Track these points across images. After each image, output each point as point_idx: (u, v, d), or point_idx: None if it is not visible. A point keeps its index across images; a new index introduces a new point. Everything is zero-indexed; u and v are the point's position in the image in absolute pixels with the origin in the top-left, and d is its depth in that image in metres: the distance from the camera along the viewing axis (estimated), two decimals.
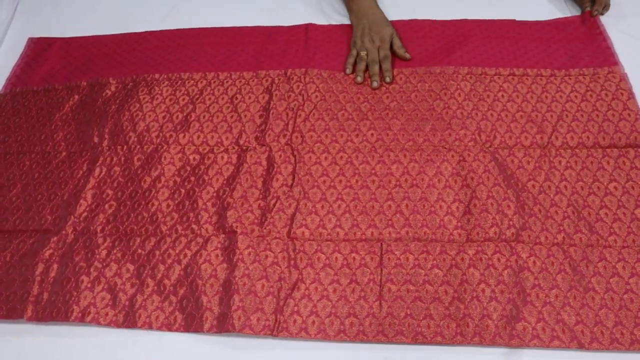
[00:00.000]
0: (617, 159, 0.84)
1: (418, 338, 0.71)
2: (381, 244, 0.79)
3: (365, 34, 1.03)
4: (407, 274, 0.76)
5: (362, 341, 0.72)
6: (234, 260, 0.79)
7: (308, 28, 1.09)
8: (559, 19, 1.06)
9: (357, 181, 0.86)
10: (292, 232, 0.82)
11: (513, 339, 0.70)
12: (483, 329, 0.71)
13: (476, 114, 0.91)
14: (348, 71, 0.99)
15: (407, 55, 1.01)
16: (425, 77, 0.97)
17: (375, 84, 0.97)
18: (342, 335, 0.72)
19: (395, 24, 1.07)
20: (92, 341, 0.76)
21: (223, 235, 0.82)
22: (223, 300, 0.76)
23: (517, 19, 1.07)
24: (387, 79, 0.97)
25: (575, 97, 0.92)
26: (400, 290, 0.75)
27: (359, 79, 0.98)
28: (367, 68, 0.99)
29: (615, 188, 0.81)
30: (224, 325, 0.74)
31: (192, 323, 0.75)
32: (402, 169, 0.86)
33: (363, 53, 1.00)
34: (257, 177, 0.88)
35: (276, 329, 0.73)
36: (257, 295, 0.76)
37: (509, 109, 0.92)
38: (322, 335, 0.72)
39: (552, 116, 0.90)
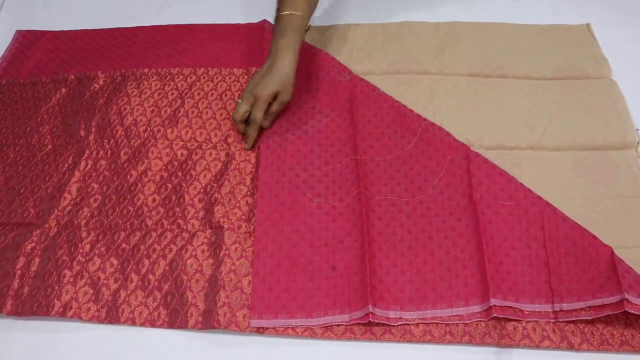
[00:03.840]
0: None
1: (406, 337, 0.70)
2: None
3: (252, 81, 0.87)
4: None
5: (349, 339, 0.71)
6: (221, 255, 0.77)
7: None
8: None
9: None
10: None
11: (503, 339, 0.69)
12: (473, 328, 0.70)
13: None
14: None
15: (264, 124, 0.89)
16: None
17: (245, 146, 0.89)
18: (330, 333, 0.71)
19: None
20: (75, 337, 0.74)
21: (210, 231, 0.80)
22: (209, 296, 0.74)
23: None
24: (246, 145, 0.89)
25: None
26: None
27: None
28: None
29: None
30: (209, 322, 0.72)
31: (176, 319, 0.73)
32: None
33: (238, 101, 0.88)
34: (246, 174, 0.86)
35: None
36: (244, 292, 0.74)
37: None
38: (309, 333, 0.71)
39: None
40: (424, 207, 0.80)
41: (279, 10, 0.89)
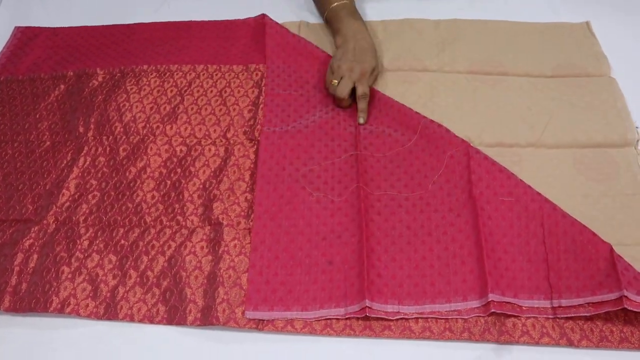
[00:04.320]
0: None
1: (406, 333, 0.70)
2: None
3: (346, 59, 0.91)
4: None
5: (349, 336, 0.71)
6: (220, 252, 0.77)
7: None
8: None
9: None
10: None
11: (502, 335, 0.69)
12: (472, 324, 0.70)
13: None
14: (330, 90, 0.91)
15: (361, 119, 0.89)
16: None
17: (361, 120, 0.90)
18: (329, 329, 0.71)
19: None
20: (72, 333, 0.74)
21: (209, 227, 0.80)
22: (207, 293, 0.74)
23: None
24: (360, 120, 0.89)
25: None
26: None
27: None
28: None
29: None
30: (208, 318, 0.72)
31: (175, 315, 0.73)
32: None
33: (334, 82, 0.90)
34: (245, 170, 0.86)
35: (261, 323, 0.71)
36: (243, 288, 0.74)
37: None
38: (309, 329, 0.71)
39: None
40: (424, 202, 0.80)
41: (328, 3, 1.01)
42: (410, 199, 0.81)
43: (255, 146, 0.89)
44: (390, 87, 0.95)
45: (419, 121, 0.87)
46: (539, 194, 0.78)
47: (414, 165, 0.84)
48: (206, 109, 0.95)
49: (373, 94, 0.93)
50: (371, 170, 0.84)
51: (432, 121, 0.87)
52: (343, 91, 0.89)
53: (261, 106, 0.94)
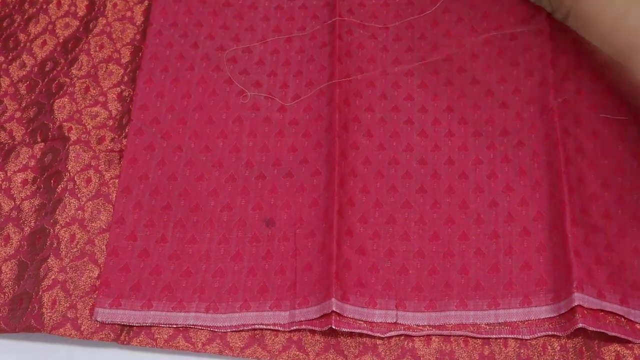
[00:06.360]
0: None
1: None
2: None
3: None
4: None
5: None
6: (58, 191, 0.44)
7: None
8: None
9: None
10: None
11: None
12: (537, 353, 0.39)
13: None
14: None
15: None
16: None
17: None
18: (259, 349, 0.40)
19: None
20: None
21: (41, 145, 0.46)
22: (27, 270, 0.40)
23: None
24: None
25: None
26: None
27: None
28: None
29: None
30: (19, 320, 0.40)
31: None
32: None
33: None
34: (124, 43, 0.51)
35: (125, 332, 0.40)
36: (97, 263, 0.41)
37: None
38: (218, 348, 0.40)
39: None
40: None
41: None
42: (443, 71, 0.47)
43: (147, 1, 0.52)
44: None
45: None
46: None
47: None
48: None
49: None
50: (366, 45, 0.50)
51: None
52: None
53: None
